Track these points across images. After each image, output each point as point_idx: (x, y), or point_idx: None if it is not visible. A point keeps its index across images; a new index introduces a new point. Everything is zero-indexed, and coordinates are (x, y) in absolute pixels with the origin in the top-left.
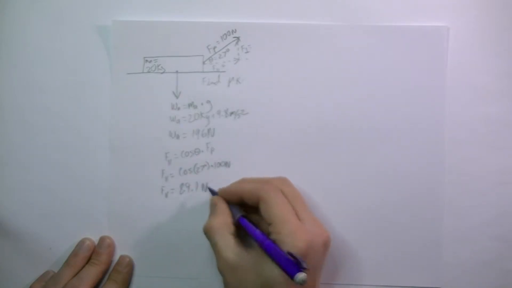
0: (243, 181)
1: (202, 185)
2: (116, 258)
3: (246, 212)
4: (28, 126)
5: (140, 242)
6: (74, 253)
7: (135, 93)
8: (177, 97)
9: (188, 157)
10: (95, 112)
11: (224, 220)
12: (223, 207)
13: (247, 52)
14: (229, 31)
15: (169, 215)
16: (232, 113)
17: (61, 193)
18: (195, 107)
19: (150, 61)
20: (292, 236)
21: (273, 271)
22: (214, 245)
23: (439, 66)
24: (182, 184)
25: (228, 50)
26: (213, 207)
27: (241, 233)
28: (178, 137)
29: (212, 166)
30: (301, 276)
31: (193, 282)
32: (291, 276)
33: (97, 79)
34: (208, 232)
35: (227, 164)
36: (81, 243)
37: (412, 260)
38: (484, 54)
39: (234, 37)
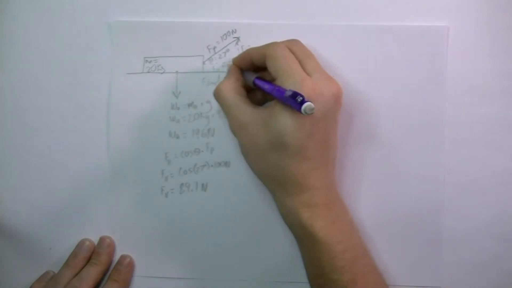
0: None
1: (202, 185)
2: (116, 258)
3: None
4: (28, 126)
5: (140, 242)
6: (74, 254)
7: (135, 93)
8: (177, 97)
9: (188, 157)
10: (95, 112)
11: (234, 82)
12: (233, 71)
13: None
14: (229, 31)
15: (169, 215)
16: None
17: (61, 193)
18: (195, 107)
19: (150, 61)
20: (296, 86)
21: (283, 122)
22: (224, 106)
23: (439, 66)
24: (182, 184)
25: (228, 50)
26: (227, 73)
27: (256, 98)
28: (178, 137)
29: (212, 166)
30: (306, 104)
31: (193, 282)
32: (298, 108)
33: (97, 79)
34: (217, 94)
35: (227, 164)
36: (80, 243)
37: (412, 260)
38: (484, 54)
39: (234, 37)
